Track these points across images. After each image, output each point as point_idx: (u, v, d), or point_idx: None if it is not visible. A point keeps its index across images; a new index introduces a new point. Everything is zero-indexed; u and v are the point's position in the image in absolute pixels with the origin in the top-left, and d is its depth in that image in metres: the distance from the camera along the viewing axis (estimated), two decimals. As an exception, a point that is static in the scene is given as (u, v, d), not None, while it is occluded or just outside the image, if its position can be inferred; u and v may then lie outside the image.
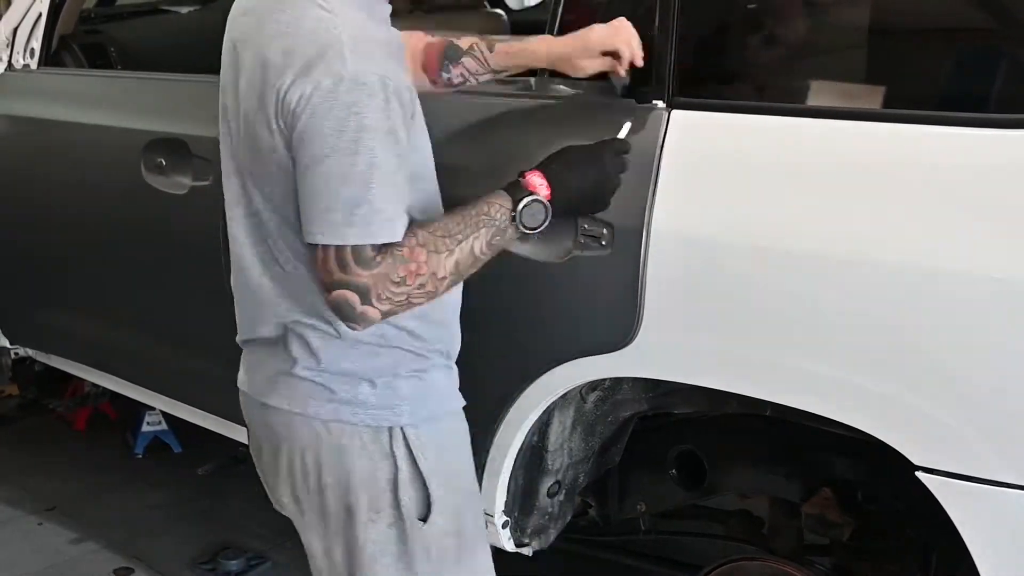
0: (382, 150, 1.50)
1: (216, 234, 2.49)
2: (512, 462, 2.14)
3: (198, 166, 2.52)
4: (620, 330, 1.87)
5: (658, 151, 1.83)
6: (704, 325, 1.81)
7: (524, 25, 3.31)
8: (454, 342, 1.79)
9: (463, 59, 1.95)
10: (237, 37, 1.64)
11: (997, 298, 1.55)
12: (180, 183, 2.55)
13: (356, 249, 1.50)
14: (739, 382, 1.82)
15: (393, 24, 1.71)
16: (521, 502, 2.21)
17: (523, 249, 1.96)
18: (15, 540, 3.10)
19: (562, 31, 2.04)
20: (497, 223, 1.61)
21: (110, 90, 2.99)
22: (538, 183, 1.63)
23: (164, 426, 3.61)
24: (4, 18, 3.20)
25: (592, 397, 2.14)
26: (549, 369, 1.99)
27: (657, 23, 1.88)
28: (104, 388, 3.30)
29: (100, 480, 3.46)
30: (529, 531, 2.25)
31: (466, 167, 2.07)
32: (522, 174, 1.64)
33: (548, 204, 1.62)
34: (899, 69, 1.85)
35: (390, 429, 1.66)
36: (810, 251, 1.69)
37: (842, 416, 1.72)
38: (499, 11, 3.26)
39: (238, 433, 2.72)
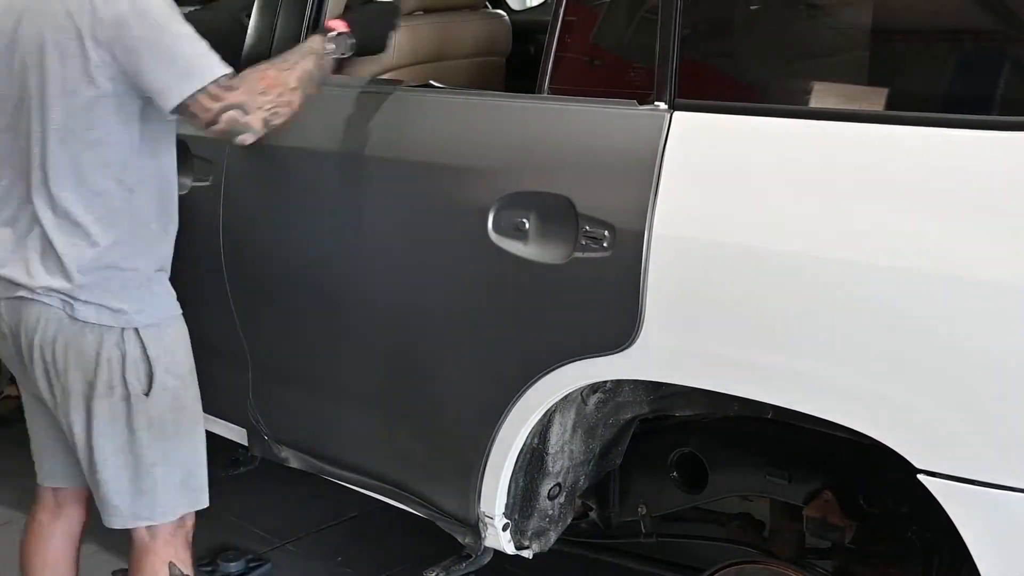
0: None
1: (216, 233, 2.49)
2: (513, 464, 2.13)
3: (198, 166, 2.52)
4: (621, 332, 1.86)
5: (660, 153, 1.83)
6: (705, 327, 1.81)
7: (525, 25, 3.30)
8: (166, 262, 2.20)
9: None
10: None
11: (998, 301, 1.55)
12: (180, 183, 2.54)
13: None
14: (740, 384, 1.82)
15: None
16: (522, 504, 2.21)
17: (524, 250, 1.96)
18: (14, 541, 3.09)
19: (564, 31, 2.03)
20: (316, 51, 2.12)
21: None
22: (338, 24, 2.16)
23: (164, 427, 3.60)
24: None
25: (593, 399, 2.13)
26: (550, 371, 1.98)
27: (659, 24, 1.88)
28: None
29: (99, 481, 3.45)
30: (529, 533, 2.25)
31: (471, 167, 2.07)
32: (326, 23, 2.20)
33: (348, 36, 2.16)
34: (901, 71, 1.84)
35: (123, 328, 2.07)
36: (811, 253, 1.69)
37: (843, 419, 1.72)
38: (500, 11, 3.25)
39: (236, 434, 2.71)
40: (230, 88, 1.97)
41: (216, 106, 1.95)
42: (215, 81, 1.95)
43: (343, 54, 2.15)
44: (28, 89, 1.99)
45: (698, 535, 2.40)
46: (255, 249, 2.48)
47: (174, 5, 2.00)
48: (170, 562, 2.19)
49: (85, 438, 2.12)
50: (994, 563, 1.63)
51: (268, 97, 1.99)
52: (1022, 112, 1.59)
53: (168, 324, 2.14)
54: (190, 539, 2.24)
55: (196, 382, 2.21)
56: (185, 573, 2.20)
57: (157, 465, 2.13)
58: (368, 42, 2.22)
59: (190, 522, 2.23)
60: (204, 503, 2.23)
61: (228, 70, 1.98)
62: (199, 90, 1.94)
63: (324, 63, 2.13)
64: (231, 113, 1.96)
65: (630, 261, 1.83)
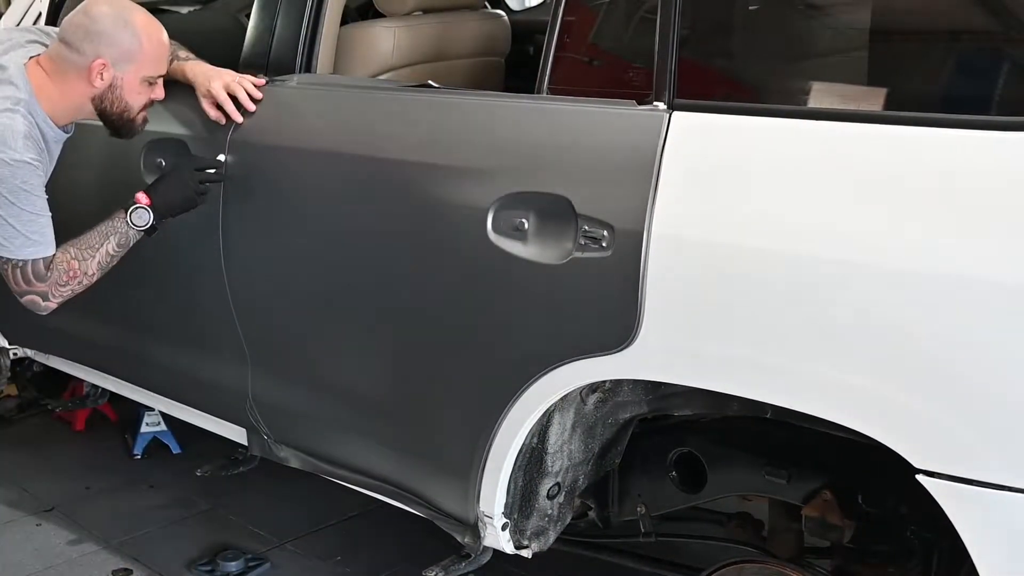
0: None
1: (215, 232, 2.49)
2: (512, 464, 2.13)
3: (197, 166, 2.51)
4: (620, 332, 1.86)
5: (659, 153, 1.83)
6: (704, 327, 1.81)
7: (525, 25, 3.31)
8: None
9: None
10: None
11: (997, 300, 1.55)
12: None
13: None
14: (739, 384, 1.82)
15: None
16: (521, 504, 2.21)
17: (523, 250, 1.96)
18: (14, 541, 3.10)
19: (563, 31, 2.03)
20: (118, 229, 2.36)
21: (110, 90, 2.98)
22: (141, 196, 2.37)
23: (163, 427, 3.60)
24: (4, 18, 3.20)
25: (592, 399, 2.13)
26: (549, 371, 1.98)
27: (658, 24, 1.88)
28: (103, 389, 3.29)
29: (99, 481, 3.46)
30: (528, 533, 2.25)
31: (470, 167, 2.07)
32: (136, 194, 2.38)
33: (148, 208, 2.36)
34: (900, 71, 1.84)
35: None
36: (810, 253, 1.69)
37: (842, 419, 1.72)
38: (499, 11, 3.25)
39: (236, 434, 2.72)
40: (39, 277, 2.29)
41: (22, 288, 2.30)
42: (24, 263, 2.27)
43: (142, 228, 2.37)
44: None
45: (697, 535, 2.40)
46: (255, 248, 2.48)
47: (33, 184, 2.24)
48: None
49: None
50: (993, 563, 1.63)
51: (68, 287, 2.33)
52: (1022, 112, 1.60)
53: None
54: None
55: None
56: None
57: None
58: (170, 209, 2.39)
59: None
60: None
61: (46, 255, 2.28)
62: (8, 261, 2.27)
63: (126, 240, 2.38)
64: (32, 298, 2.32)
65: (629, 261, 1.83)
